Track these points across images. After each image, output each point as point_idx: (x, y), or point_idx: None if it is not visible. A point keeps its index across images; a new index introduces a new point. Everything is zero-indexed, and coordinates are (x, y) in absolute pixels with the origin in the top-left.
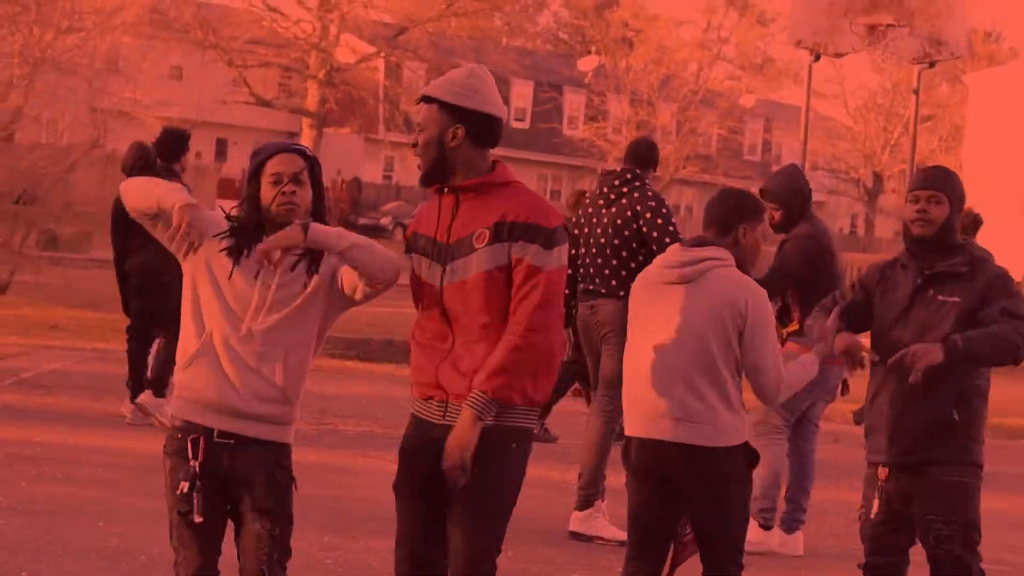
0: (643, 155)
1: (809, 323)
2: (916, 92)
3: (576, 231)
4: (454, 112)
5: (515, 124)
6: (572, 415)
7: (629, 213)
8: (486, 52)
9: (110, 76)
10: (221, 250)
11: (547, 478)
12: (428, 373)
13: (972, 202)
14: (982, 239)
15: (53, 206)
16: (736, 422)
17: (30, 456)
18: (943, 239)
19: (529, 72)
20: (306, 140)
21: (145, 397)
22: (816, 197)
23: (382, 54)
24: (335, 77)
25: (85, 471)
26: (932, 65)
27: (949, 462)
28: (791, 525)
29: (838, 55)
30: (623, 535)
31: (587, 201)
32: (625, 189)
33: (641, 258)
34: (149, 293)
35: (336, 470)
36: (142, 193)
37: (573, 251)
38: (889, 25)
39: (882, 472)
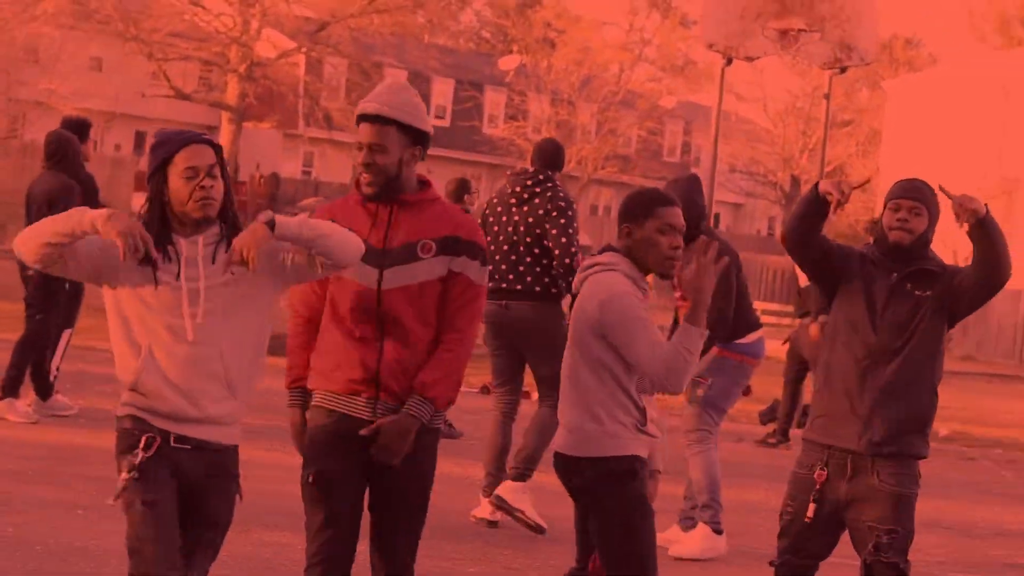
0: (552, 157)
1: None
2: (827, 97)
3: (487, 230)
4: (411, 133)
5: (435, 122)
6: (478, 412)
7: (541, 212)
8: (407, 49)
9: (28, 66)
10: (140, 261)
11: (452, 473)
12: (358, 371)
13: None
14: None
15: None
16: (599, 433)
17: None
18: (917, 250)
19: (450, 70)
20: (225, 134)
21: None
22: (734, 199)
23: (303, 49)
24: (255, 72)
25: None
26: (843, 71)
27: (898, 458)
28: (687, 524)
29: (749, 59)
30: (542, 521)
31: (496, 200)
32: (538, 189)
33: (552, 257)
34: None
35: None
36: (38, 236)
37: None
38: (800, 30)
39: (820, 475)
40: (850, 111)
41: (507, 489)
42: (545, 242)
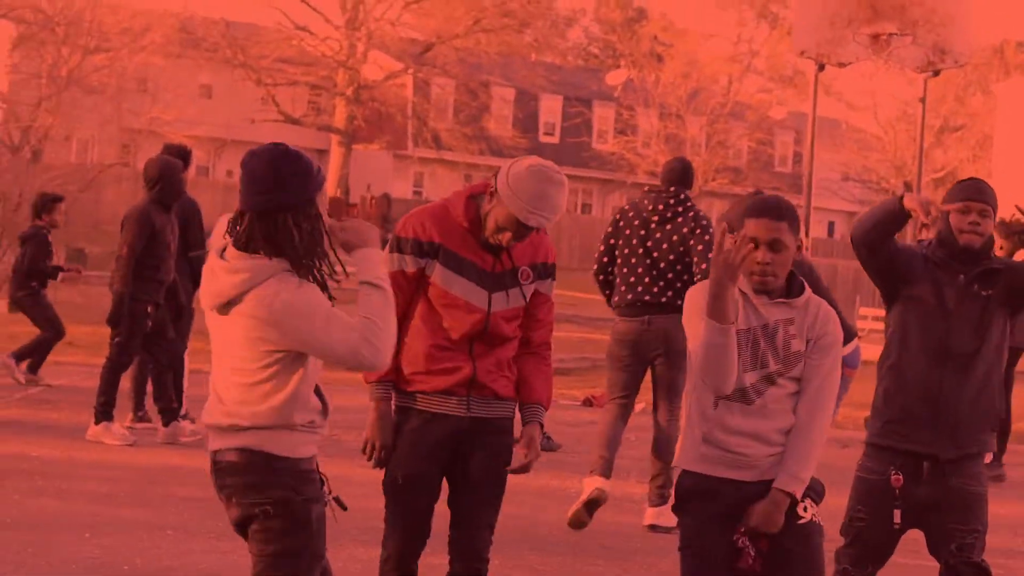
0: (684, 175)
1: None
2: (922, 101)
3: (616, 247)
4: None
5: (544, 139)
6: (578, 424)
7: (685, 230)
8: (514, 68)
9: (138, 96)
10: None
11: (547, 486)
12: (456, 375)
13: (1004, 212)
14: None
15: (80, 225)
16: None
17: (26, 470)
18: (985, 252)
19: (557, 87)
20: (335, 157)
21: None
22: (848, 208)
23: (410, 71)
24: (363, 94)
25: (79, 485)
26: (936, 73)
27: (978, 455)
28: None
29: (841, 65)
30: None
31: (632, 215)
32: (680, 208)
33: (691, 275)
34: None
35: (332, 480)
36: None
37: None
38: (892, 34)
39: (897, 480)
40: (962, 116)
41: (654, 515)
42: (687, 259)
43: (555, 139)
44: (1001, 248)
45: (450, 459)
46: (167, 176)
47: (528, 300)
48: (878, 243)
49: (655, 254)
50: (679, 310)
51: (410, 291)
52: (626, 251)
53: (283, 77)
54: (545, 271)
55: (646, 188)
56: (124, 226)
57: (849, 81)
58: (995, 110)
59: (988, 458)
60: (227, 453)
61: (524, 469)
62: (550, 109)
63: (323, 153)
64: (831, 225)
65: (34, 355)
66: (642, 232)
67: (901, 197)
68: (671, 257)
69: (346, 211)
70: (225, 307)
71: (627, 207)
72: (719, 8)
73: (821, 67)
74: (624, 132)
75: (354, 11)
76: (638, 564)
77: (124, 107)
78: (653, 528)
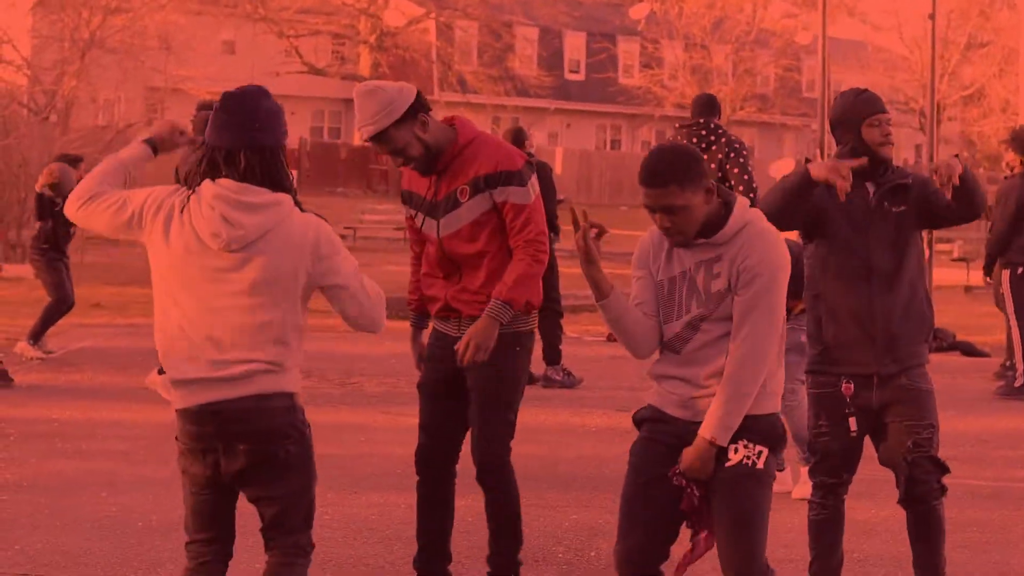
0: (711, 106)
1: None
2: (931, 17)
3: None
4: (403, 119)
5: (570, 76)
6: (599, 360)
7: (720, 156)
8: (536, 6)
9: (161, 55)
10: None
11: (568, 423)
12: (442, 300)
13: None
14: None
15: None
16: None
17: (44, 433)
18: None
19: (580, 23)
20: None
21: None
22: None
23: (432, 15)
24: (386, 41)
25: (97, 444)
26: None
27: (919, 366)
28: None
29: None
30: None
31: None
32: (712, 138)
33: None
34: None
35: (353, 428)
36: (102, 180)
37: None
38: None
39: (847, 388)
40: (988, 31)
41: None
42: (727, 184)
43: (581, 76)
44: (1020, 163)
45: (456, 371)
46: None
47: (496, 212)
48: (791, 216)
49: None
50: None
51: (415, 234)
52: None
53: (305, 28)
54: (488, 181)
55: (677, 125)
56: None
57: (873, 2)
58: (1020, 24)
59: (1019, 381)
60: (242, 401)
61: (460, 362)
62: (574, 46)
63: (348, 102)
64: None
65: (42, 327)
66: None
67: (807, 170)
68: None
69: (375, 159)
70: (243, 248)
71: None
72: None
73: None
74: (650, 66)
75: None
76: None
77: (147, 66)
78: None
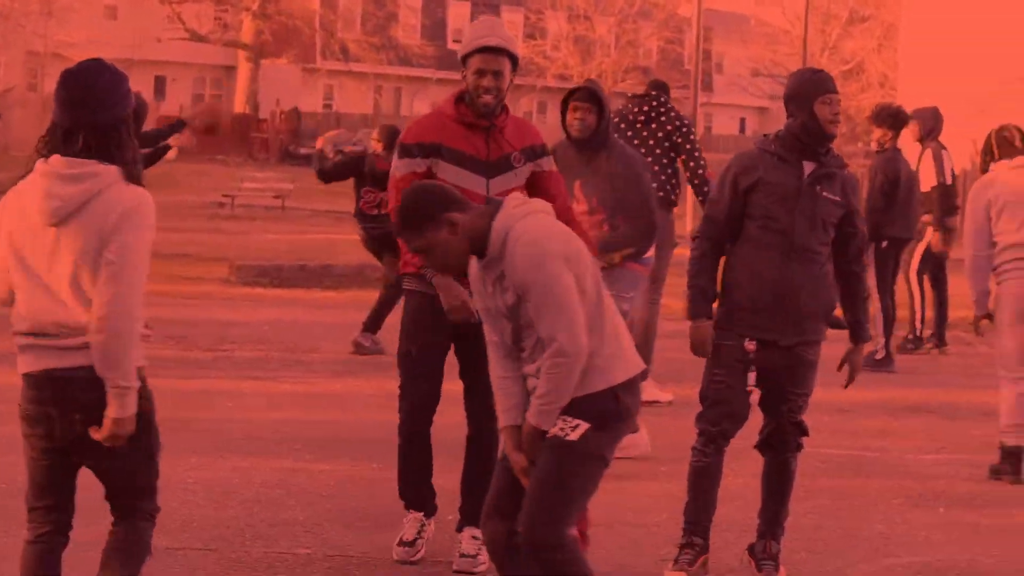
0: (666, 88)
1: None
2: None
3: None
4: (512, 60)
5: (453, 46)
6: None
7: (670, 127)
8: None
9: (43, 19)
10: None
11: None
12: None
13: (909, 102)
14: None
15: None
16: None
17: None
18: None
19: None
20: (243, 73)
21: None
22: (759, 103)
23: None
24: (269, 8)
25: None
26: None
27: (816, 342)
28: None
29: None
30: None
31: (618, 120)
32: (662, 109)
33: (675, 169)
34: None
35: (222, 394)
36: None
37: None
38: None
39: (750, 345)
40: (869, 6)
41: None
42: (672, 154)
43: None
44: (888, 137)
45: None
46: (139, 109)
47: (535, 181)
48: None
49: (642, 150)
50: (665, 203)
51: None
52: None
53: None
54: (534, 152)
55: (630, 95)
56: None
57: None
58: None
59: (880, 354)
60: (77, 371)
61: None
62: (458, 15)
63: (231, 69)
64: (742, 121)
65: None
66: (629, 133)
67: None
68: (657, 152)
69: (256, 126)
70: (64, 220)
71: (613, 114)
72: None
73: None
74: (533, 36)
75: None
76: None
77: (28, 31)
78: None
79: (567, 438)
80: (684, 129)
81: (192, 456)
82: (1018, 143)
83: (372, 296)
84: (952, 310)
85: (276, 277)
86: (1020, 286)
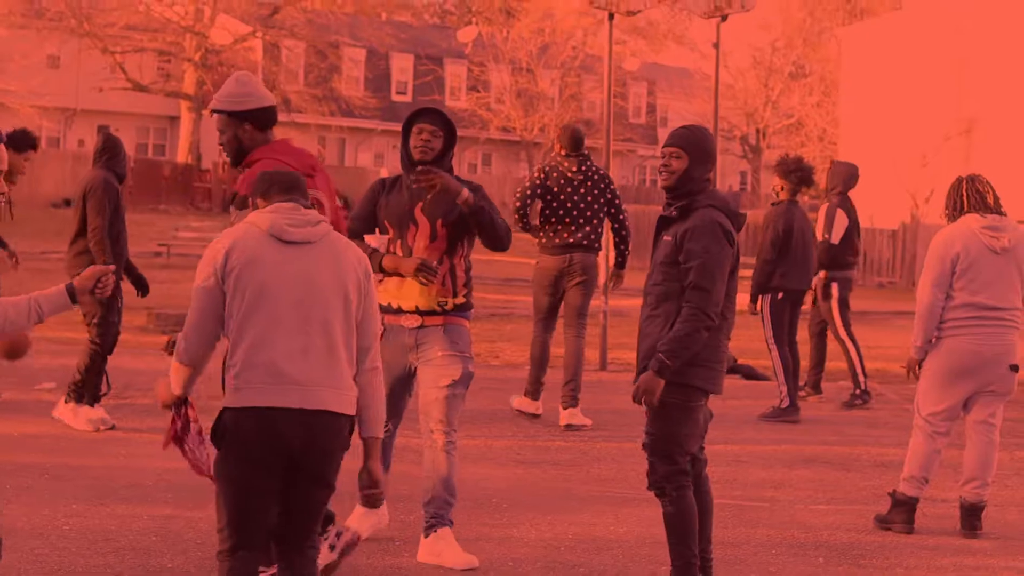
0: (582, 140)
1: None
2: (716, 46)
3: (551, 198)
4: (237, 115)
5: (397, 98)
6: None
7: (603, 185)
8: (363, 27)
9: None
10: None
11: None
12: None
13: (849, 156)
14: (857, 192)
15: None
16: None
17: None
18: (680, 187)
19: (407, 46)
20: (185, 123)
21: None
22: None
23: (258, 34)
24: (211, 59)
25: None
26: (724, 19)
27: (672, 383)
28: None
29: (630, 13)
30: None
31: (556, 175)
32: (594, 167)
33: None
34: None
35: (113, 441)
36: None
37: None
38: None
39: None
40: (814, 61)
41: (567, 416)
42: (607, 208)
43: (407, 97)
44: (783, 189)
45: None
46: (113, 147)
47: None
48: None
49: (581, 206)
50: (595, 249)
51: None
52: (554, 204)
53: (130, 44)
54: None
55: (563, 152)
56: (88, 199)
57: (700, 31)
58: (840, 56)
59: (786, 403)
60: None
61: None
62: (401, 68)
63: (174, 120)
64: None
65: None
66: (568, 189)
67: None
68: (595, 206)
69: (199, 176)
70: None
71: (548, 167)
72: None
73: (611, 16)
74: (476, 88)
75: None
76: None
77: None
78: (569, 427)
79: None
80: (613, 186)
81: (73, 503)
82: (990, 200)
83: None
84: (869, 361)
85: None
86: (971, 344)
